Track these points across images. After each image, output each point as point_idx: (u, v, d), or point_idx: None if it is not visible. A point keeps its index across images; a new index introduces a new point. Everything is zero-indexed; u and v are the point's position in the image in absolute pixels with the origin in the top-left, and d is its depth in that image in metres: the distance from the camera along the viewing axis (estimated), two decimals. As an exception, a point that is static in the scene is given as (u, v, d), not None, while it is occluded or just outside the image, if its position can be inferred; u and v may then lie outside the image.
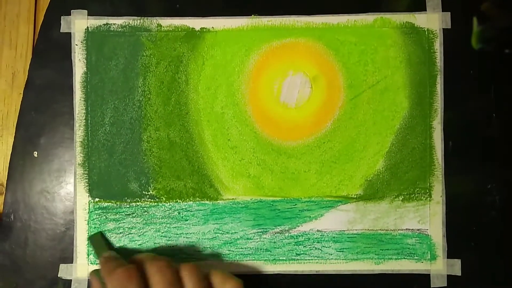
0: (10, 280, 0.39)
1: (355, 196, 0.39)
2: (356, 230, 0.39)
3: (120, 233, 0.39)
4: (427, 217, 0.39)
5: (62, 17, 0.40)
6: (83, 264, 0.39)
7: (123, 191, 0.39)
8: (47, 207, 0.39)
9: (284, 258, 0.39)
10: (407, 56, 0.40)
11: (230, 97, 0.40)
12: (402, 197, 0.39)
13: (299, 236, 0.39)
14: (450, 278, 0.39)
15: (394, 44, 0.40)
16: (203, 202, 0.39)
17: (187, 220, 0.39)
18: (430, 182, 0.39)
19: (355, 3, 0.40)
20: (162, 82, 0.40)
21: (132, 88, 0.40)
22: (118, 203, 0.39)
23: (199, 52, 0.40)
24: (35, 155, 0.39)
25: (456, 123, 0.39)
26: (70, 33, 0.39)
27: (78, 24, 0.40)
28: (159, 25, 0.40)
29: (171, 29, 0.40)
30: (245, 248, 0.39)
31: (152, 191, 0.39)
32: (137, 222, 0.39)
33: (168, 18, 0.40)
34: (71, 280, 0.39)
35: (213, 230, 0.39)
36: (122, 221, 0.39)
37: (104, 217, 0.39)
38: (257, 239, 0.39)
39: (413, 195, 0.39)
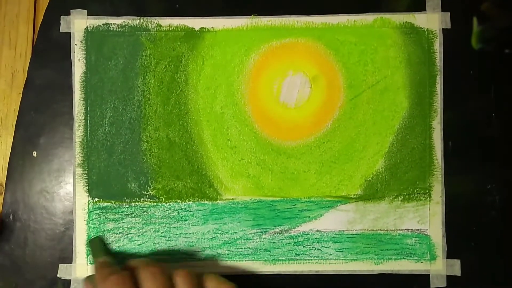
0: (9, 280, 0.39)
1: (355, 196, 0.39)
2: (355, 230, 0.39)
3: (120, 233, 0.39)
4: (427, 217, 0.39)
5: (61, 17, 0.39)
6: (82, 264, 0.39)
7: (122, 191, 0.39)
8: (46, 207, 0.39)
9: (283, 258, 0.39)
10: (407, 56, 0.40)
11: (229, 97, 0.40)
12: (402, 197, 0.39)
13: (299, 236, 0.39)
14: (449, 278, 0.39)
15: (394, 44, 0.40)
16: (203, 202, 0.39)
17: (186, 220, 0.39)
18: (429, 182, 0.39)
19: (355, 3, 0.40)
20: (162, 82, 0.40)
21: (132, 88, 0.39)
22: (117, 203, 0.39)
23: (198, 52, 0.40)
24: (35, 155, 0.39)
25: (456, 123, 0.39)
26: (70, 33, 0.39)
27: (78, 24, 0.40)
28: (159, 25, 0.40)
29: (170, 29, 0.40)
30: (244, 248, 0.39)
31: (152, 191, 0.39)
32: (136, 222, 0.39)
33: (168, 18, 0.40)
34: (70, 280, 0.39)
35: (213, 230, 0.39)
36: (121, 221, 0.39)
37: (104, 217, 0.39)
38: (256, 239, 0.39)
39: (413, 195, 0.39)
